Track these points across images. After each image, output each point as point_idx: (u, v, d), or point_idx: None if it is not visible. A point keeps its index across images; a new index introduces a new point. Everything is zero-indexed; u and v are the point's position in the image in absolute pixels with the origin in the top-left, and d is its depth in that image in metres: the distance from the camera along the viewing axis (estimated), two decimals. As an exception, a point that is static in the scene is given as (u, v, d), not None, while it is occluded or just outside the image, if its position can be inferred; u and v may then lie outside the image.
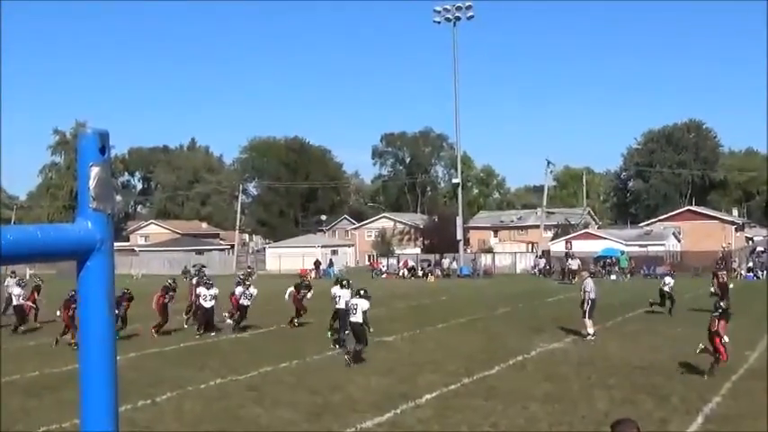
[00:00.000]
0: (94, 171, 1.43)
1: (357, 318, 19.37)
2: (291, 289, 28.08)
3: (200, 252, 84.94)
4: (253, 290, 26.96)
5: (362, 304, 19.63)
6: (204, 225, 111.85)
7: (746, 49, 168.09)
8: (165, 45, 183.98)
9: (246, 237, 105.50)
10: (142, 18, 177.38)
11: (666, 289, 29.39)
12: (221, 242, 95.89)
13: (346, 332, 20.90)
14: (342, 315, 21.59)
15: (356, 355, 19.22)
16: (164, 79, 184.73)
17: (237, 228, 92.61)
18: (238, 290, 26.85)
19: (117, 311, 22.74)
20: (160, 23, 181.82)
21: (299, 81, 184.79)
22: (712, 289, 29.76)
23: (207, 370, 18.48)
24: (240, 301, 26.58)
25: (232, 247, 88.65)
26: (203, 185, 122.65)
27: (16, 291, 28.79)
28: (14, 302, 28.65)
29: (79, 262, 1.44)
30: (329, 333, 23.07)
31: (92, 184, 1.43)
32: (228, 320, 27.50)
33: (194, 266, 41.24)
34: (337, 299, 22.49)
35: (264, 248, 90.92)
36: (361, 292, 20.47)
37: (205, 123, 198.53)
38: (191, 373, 18.04)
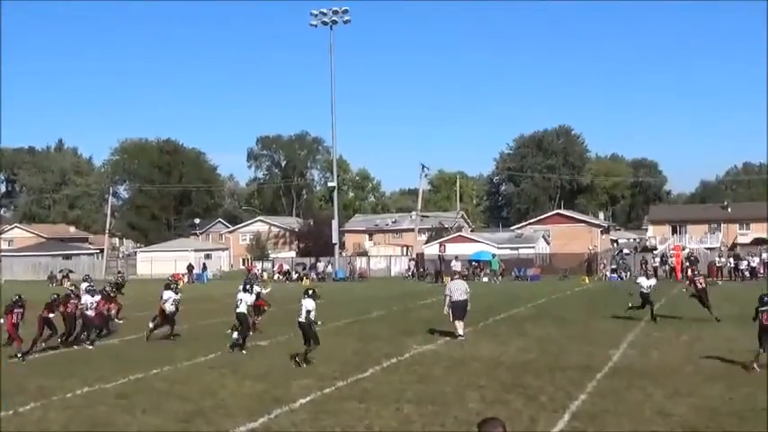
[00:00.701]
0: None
1: (301, 318, 19.27)
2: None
3: (67, 257, 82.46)
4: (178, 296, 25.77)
5: (308, 304, 19.36)
6: (72, 229, 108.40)
7: (615, 56, 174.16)
8: (30, 40, 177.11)
9: (117, 241, 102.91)
10: (5, 12, 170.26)
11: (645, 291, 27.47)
12: (90, 246, 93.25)
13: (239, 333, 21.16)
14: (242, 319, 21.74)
15: (305, 355, 19.03)
16: (30, 77, 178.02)
17: (107, 231, 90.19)
18: (167, 294, 25.26)
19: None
20: (21, 18, 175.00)
21: (172, 82, 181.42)
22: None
23: (74, 378, 17.83)
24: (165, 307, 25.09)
25: (101, 251, 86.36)
26: (71, 188, 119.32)
27: None
28: None
29: None
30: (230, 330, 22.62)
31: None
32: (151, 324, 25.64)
33: (82, 277, 38.81)
34: (239, 302, 22.17)
35: (135, 252, 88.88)
36: (309, 291, 20.11)
37: (74, 124, 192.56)
38: (56, 382, 17.39)
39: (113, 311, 27.26)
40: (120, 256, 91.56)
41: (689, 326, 25.47)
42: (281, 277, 65.49)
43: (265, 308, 26.90)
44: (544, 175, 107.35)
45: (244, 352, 19.34)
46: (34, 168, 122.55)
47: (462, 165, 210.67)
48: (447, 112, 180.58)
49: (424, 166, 79.30)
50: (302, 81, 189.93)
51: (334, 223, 69.09)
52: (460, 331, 23.08)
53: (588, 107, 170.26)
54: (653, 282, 28.85)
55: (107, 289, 28.17)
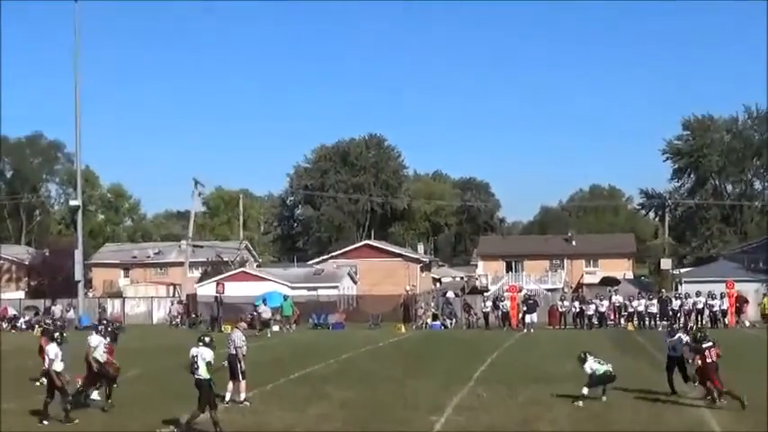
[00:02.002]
0: None
1: (201, 373, 19.30)
2: None
3: None
4: None
5: (205, 354, 19.49)
6: None
7: (425, 62, 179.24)
8: None
9: None
10: None
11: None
12: None
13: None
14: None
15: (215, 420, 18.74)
16: None
17: None
18: None
19: None
20: None
21: None
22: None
23: None
24: None
25: None
26: None
27: None
28: None
29: None
30: None
31: None
32: None
33: None
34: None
35: None
36: (205, 339, 20.06)
37: None
38: None
39: None
40: None
41: (525, 385, 26.37)
42: (4, 325, 63.08)
43: None
44: (350, 196, 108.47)
45: None
46: None
47: (247, 181, 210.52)
48: (226, 114, 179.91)
49: (197, 183, 78.59)
50: (37, 67, 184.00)
51: (78, 254, 67.31)
52: (242, 395, 22.89)
53: (405, 114, 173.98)
54: None
55: None
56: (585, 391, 23.84)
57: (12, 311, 66.95)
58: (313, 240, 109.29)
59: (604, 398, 23.50)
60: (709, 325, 54.48)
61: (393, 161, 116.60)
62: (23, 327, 62.23)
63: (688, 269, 77.05)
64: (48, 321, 50.44)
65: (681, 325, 52.69)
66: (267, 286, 67.93)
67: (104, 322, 29.67)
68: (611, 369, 24.58)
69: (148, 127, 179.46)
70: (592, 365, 24.72)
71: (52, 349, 21.38)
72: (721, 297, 57.81)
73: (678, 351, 24.19)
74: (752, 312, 57.19)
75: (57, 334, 21.86)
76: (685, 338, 25.09)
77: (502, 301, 61.51)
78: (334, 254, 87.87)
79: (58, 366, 21.07)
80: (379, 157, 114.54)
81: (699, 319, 55.80)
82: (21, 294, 79.18)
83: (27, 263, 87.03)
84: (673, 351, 24.28)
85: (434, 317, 59.02)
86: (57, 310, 66.25)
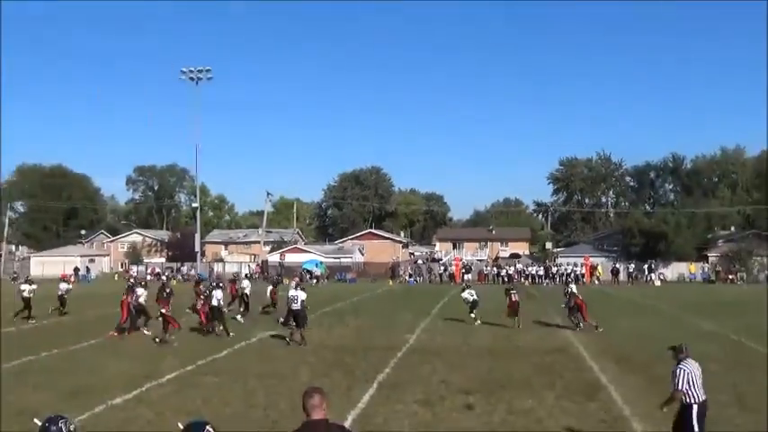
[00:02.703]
0: None
1: (296, 305, 19.77)
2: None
3: (-33, 260, 75.85)
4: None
5: (301, 295, 20.03)
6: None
7: (409, 112, 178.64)
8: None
9: (13, 247, 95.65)
10: None
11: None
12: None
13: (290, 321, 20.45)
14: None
15: (300, 336, 19.40)
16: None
17: (5, 239, 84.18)
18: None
19: None
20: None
21: (63, 116, 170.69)
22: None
23: (-28, 361, 16.44)
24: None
25: (0, 255, 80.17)
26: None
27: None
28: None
29: None
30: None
31: None
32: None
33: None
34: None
35: (30, 257, 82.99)
36: (301, 285, 21.61)
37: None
38: (-44, 365, 15.96)
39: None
40: (16, 259, 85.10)
41: (464, 316, 26.46)
42: (153, 278, 62.94)
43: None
44: (360, 203, 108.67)
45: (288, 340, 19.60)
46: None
47: (299, 192, 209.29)
48: (288, 151, 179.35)
49: (268, 193, 79.50)
50: (174, 123, 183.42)
51: (197, 236, 67.21)
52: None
53: (393, 152, 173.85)
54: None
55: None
56: (473, 315, 24.25)
57: (157, 270, 66.89)
58: (338, 229, 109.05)
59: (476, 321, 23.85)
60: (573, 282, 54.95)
61: (385, 182, 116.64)
62: (164, 278, 62.05)
63: (561, 249, 77.21)
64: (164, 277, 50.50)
65: (559, 283, 53.09)
66: (310, 256, 67.88)
67: (217, 280, 29.72)
68: (477, 298, 24.95)
69: (240, 156, 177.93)
70: (465, 295, 25.15)
71: (217, 294, 21.83)
72: (581, 266, 58.19)
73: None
74: (599, 275, 57.40)
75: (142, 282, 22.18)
76: (572, 287, 25.50)
77: (450, 266, 61.92)
78: (350, 237, 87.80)
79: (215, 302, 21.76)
80: (377, 179, 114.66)
81: (566, 278, 56.07)
82: (162, 260, 78.93)
83: (166, 240, 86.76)
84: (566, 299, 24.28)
85: (410, 276, 59.20)
86: (184, 269, 66.14)
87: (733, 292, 44.22)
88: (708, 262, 60.85)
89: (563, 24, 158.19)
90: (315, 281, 55.90)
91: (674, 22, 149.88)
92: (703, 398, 8.35)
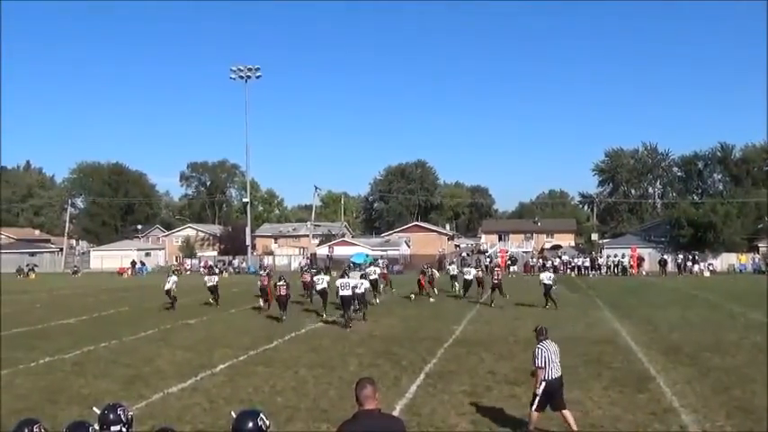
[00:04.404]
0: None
1: (347, 292, 21.56)
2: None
3: (32, 254, 78.18)
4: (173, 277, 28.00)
5: (352, 281, 22.20)
6: (37, 232, 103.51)
7: (457, 109, 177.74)
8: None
9: (74, 241, 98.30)
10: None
11: (550, 282, 26.03)
12: (51, 246, 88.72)
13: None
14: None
15: (362, 314, 22.57)
16: (5, 108, 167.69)
17: (66, 234, 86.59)
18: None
19: None
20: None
21: (125, 117, 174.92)
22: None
23: (36, 351, 16.95)
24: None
25: (61, 249, 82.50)
26: (36, 199, 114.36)
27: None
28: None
29: None
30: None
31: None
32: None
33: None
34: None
35: (89, 251, 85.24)
36: (350, 274, 24.18)
37: (40, 148, 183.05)
38: (22, 354, 16.48)
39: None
40: (77, 253, 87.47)
41: (514, 307, 26.23)
42: (205, 271, 63.93)
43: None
44: (406, 196, 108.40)
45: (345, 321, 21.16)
46: (6, 184, 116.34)
47: (346, 187, 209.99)
48: (335, 147, 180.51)
49: (316, 188, 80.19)
50: (224, 120, 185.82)
51: (248, 230, 68.22)
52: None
53: (440, 145, 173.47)
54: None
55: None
56: (553, 296, 25.44)
57: (210, 263, 67.84)
58: (384, 222, 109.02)
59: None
60: (620, 274, 53.89)
61: (431, 175, 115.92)
62: (216, 271, 62.94)
63: (608, 240, 75.92)
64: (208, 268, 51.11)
65: (605, 274, 52.13)
66: (357, 249, 68.16)
67: (266, 269, 30.94)
68: (551, 283, 25.71)
69: (289, 152, 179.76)
70: (543, 277, 25.64)
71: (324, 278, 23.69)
72: (628, 257, 57.07)
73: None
74: (647, 266, 56.32)
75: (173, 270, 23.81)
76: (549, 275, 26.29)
77: (496, 258, 61.39)
78: (396, 230, 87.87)
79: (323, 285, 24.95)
80: (423, 173, 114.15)
81: (615, 269, 55.15)
82: (214, 253, 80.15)
83: (218, 234, 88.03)
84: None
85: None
86: (236, 262, 67.05)
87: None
88: (758, 252, 59.13)
89: (604, 17, 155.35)
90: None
91: (718, 12, 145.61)
92: (556, 375, 9.37)
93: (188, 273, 63.88)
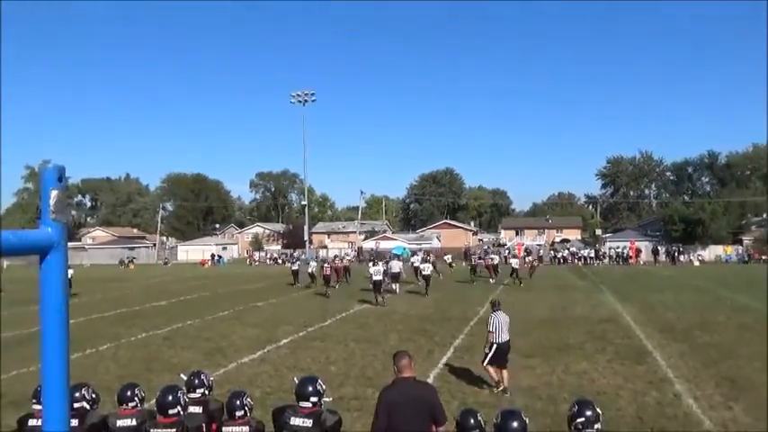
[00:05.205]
0: (53, 194, 1.31)
1: (378, 277, 22.12)
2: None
3: (131, 248, 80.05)
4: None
5: (394, 267, 24.93)
6: (135, 230, 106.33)
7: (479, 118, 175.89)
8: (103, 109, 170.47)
9: (164, 238, 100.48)
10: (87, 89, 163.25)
11: (427, 272, 26.38)
12: (147, 242, 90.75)
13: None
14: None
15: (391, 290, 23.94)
16: (110, 130, 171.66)
17: (158, 232, 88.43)
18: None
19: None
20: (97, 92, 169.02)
21: (203, 135, 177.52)
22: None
23: (135, 327, 17.37)
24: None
25: (154, 245, 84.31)
26: (135, 204, 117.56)
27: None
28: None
29: (42, 256, 1.32)
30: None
31: (51, 202, 1.32)
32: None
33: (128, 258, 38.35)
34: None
35: (177, 246, 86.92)
36: (390, 262, 26.28)
37: (137, 161, 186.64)
38: (123, 330, 16.90)
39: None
40: (167, 248, 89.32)
41: (527, 290, 25.92)
42: (271, 262, 64.70)
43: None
44: (437, 198, 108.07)
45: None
46: (110, 191, 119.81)
47: (387, 191, 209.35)
48: (378, 157, 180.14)
49: (362, 192, 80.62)
50: (286, 137, 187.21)
51: (306, 227, 68.69)
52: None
53: (466, 155, 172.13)
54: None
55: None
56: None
57: (275, 255, 68.65)
58: (419, 220, 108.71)
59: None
60: (621, 263, 52.84)
61: (458, 180, 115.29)
62: (280, 262, 63.80)
63: (609, 234, 74.52)
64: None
65: (607, 263, 51.11)
66: (397, 243, 68.14)
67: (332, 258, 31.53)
68: (429, 272, 26.21)
69: (340, 162, 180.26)
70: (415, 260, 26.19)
71: (397, 264, 22.56)
72: (627, 249, 55.91)
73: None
74: (643, 257, 55.10)
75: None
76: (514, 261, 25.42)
77: (514, 250, 60.63)
78: (429, 227, 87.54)
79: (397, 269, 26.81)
80: (451, 178, 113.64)
81: (616, 260, 54.10)
82: (278, 247, 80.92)
83: (282, 231, 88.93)
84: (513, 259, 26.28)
85: (480, 258, 58.14)
86: (296, 254, 67.53)
87: (765, 270, 41.50)
88: (742, 245, 57.46)
89: (608, 29, 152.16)
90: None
91: (709, 23, 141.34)
92: (504, 339, 9.84)
93: (257, 263, 64.66)
